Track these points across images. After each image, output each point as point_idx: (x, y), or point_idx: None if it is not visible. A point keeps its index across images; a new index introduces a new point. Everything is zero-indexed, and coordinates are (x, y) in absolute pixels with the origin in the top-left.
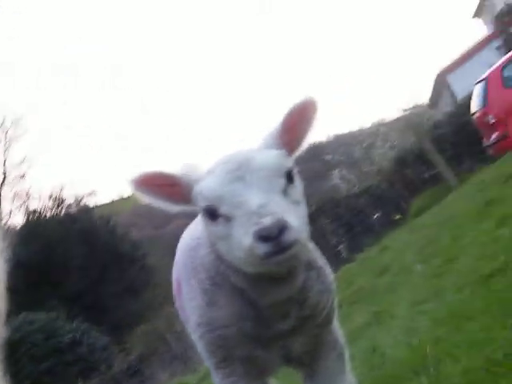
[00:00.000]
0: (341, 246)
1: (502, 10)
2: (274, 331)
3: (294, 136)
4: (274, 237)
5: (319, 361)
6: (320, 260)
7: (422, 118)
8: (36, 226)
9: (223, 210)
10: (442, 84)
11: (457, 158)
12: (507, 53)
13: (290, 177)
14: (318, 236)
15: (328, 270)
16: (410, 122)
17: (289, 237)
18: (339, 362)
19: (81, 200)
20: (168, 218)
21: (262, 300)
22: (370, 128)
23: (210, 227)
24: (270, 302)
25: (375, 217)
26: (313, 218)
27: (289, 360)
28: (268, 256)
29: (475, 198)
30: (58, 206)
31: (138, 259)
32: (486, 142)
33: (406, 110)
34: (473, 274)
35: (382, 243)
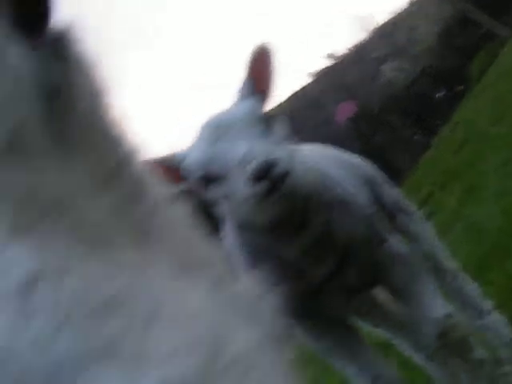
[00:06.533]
0: (415, 137)
1: None
2: (318, 277)
3: (263, 83)
4: (265, 175)
5: (392, 284)
6: (351, 194)
7: None
8: None
9: (215, 171)
10: None
11: (500, 7)
12: None
13: (267, 122)
14: (390, 134)
15: (361, 199)
16: None
17: (279, 169)
18: (418, 278)
19: None
20: None
21: (289, 253)
22: (406, 9)
23: (212, 194)
24: (297, 251)
25: (438, 96)
26: (379, 120)
27: (353, 292)
28: (269, 192)
29: None
30: None
31: None
32: None
33: None
34: None
35: (453, 120)
